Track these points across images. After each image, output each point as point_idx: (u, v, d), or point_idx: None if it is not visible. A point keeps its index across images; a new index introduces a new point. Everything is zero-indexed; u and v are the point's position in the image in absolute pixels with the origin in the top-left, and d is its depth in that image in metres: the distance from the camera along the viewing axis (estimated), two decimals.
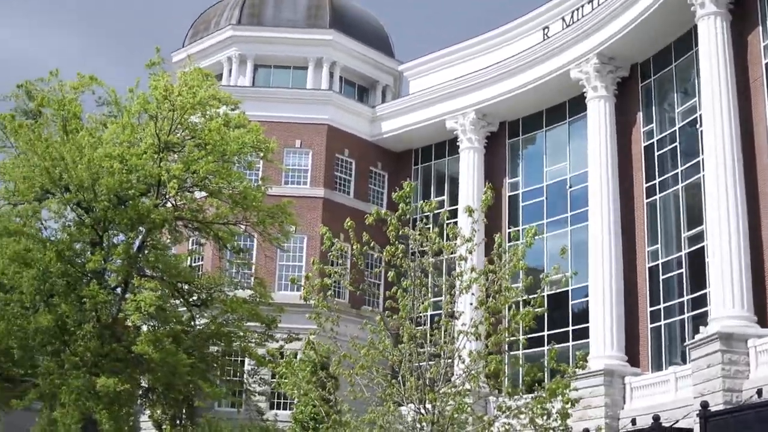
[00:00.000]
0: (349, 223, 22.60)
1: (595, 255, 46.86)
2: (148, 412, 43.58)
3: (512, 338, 25.07)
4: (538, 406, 21.80)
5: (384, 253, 22.65)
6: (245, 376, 43.58)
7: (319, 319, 23.03)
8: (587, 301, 47.38)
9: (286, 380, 25.13)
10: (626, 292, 46.17)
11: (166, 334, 35.10)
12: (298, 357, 43.64)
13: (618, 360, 44.40)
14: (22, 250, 32.99)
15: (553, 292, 48.13)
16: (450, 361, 23.26)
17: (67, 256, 34.22)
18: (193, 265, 47.22)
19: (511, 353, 39.06)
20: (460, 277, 23.05)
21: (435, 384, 22.72)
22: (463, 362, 23.13)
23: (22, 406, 33.74)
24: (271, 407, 47.12)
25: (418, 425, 22.84)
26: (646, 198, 47.24)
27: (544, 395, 22.14)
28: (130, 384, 33.15)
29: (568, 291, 49.29)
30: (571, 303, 49.27)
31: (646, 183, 47.45)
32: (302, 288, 23.47)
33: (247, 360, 42.96)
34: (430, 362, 23.05)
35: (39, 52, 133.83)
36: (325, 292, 23.46)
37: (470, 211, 23.01)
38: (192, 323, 37.99)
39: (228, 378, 43.13)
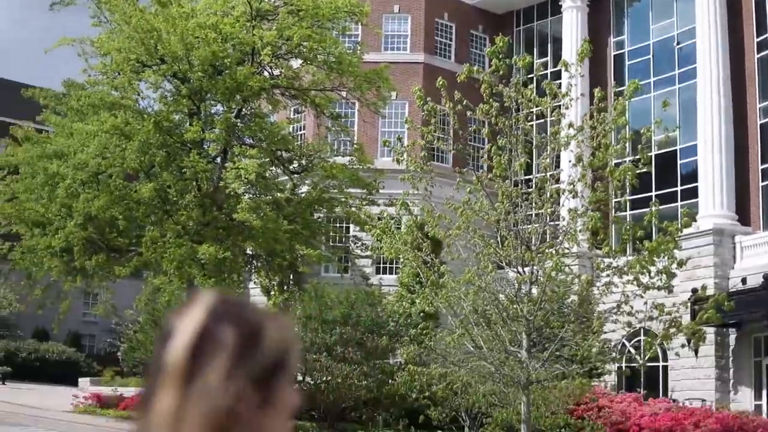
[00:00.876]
0: (441, 82, 22.09)
1: (703, 113, 45.52)
2: (255, 278, 44.30)
3: (613, 196, 24.54)
4: (639, 265, 21.29)
5: (477, 112, 22.16)
6: (350, 241, 43.88)
7: (413, 180, 22.80)
8: (696, 160, 46.26)
9: (383, 243, 25.08)
10: (736, 150, 44.90)
11: (267, 201, 35.34)
12: (404, 221, 43.67)
13: (728, 219, 43.45)
14: (120, 124, 33.24)
15: (661, 151, 47.21)
16: (548, 220, 22.89)
17: (165, 127, 34.40)
18: (295, 134, 47.24)
19: (617, 214, 38.39)
20: (557, 134, 22.46)
21: (533, 243, 22.40)
22: (563, 220, 22.74)
23: (125, 274, 34.48)
24: (377, 272, 47.46)
25: (517, 285, 22.64)
26: (758, 53, 45.46)
27: (646, 254, 21.64)
28: (232, 252, 33.51)
29: (676, 150, 48.21)
30: (679, 162, 48.16)
31: (757, 37, 45.59)
32: (393, 151, 23.18)
33: (351, 226, 43.19)
34: (527, 223, 22.71)
35: None
36: (418, 153, 23.17)
37: (566, 65, 22.31)
38: (294, 191, 38.14)
39: (333, 244, 43.45)
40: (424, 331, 31.31)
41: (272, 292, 46.45)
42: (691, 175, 46.67)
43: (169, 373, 1.77)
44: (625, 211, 43.87)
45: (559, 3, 55.30)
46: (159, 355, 1.82)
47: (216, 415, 1.73)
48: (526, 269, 22.56)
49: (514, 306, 22.40)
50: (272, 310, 1.91)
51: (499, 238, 23.01)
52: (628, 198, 37.09)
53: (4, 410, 35.41)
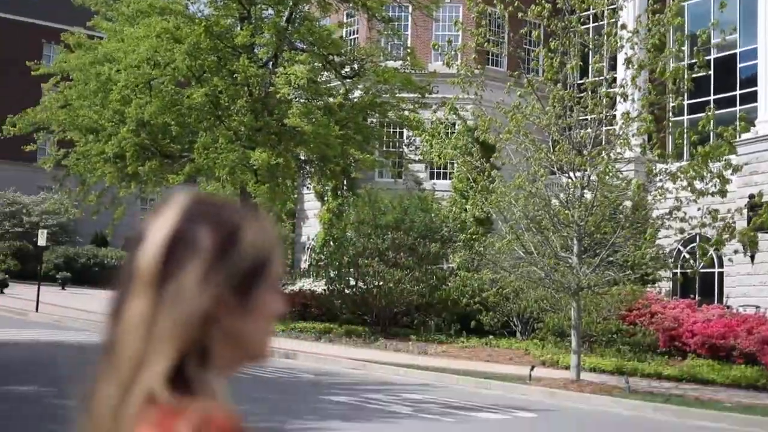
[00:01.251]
0: None
1: (765, 14, 44.32)
2: (308, 184, 44.44)
3: (670, 100, 24.09)
4: (692, 170, 20.97)
5: (529, 13, 21.77)
6: (403, 146, 43.74)
7: (463, 84, 22.53)
8: (756, 63, 45.18)
9: (432, 148, 25.00)
10: None
11: (319, 106, 35.14)
12: (457, 126, 43.41)
13: None
14: (171, 27, 33.09)
15: (720, 55, 46.19)
16: (600, 124, 22.58)
17: (215, 32, 34.19)
18: (347, 39, 46.80)
19: (673, 118, 37.79)
20: (611, 36, 22.03)
21: (584, 148, 22.15)
22: (616, 124, 22.44)
23: (178, 181, 34.65)
24: (431, 177, 47.32)
25: (570, 189, 22.46)
26: None
27: (699, 158, 21.29)
28: (284, 157, 33.48)
29: (735, 54, 47.12)
30: (738, 66, 47.13)
31: None
32: (444, 54, 22.89)
33: (405, 131, 43.01)
34: (580, 127, 22.43)
35: None
36: (469, 56, 22.88)
37: None
38: (347, 96, 37.89)
39: (386, 149, 43.34)
40: (474, 237, 31.30)
41: (326, 198, 46.65)
42: (751, 80, 45.64)
43: (141, 277, 1.68)
44: (683, 115, 43.26)
45: None
46: (130, 260, 1.72)
47: (190, 320, 1.64)
48: (578, 174, 22.36)
49: (566, 212, 22.26)
50: (253, 211, 1.80)
51: (550, 143, 22.77)
52: (686, 102, 36.61)
53: (62, 315, 36.15)
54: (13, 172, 64.48)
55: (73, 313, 35.60)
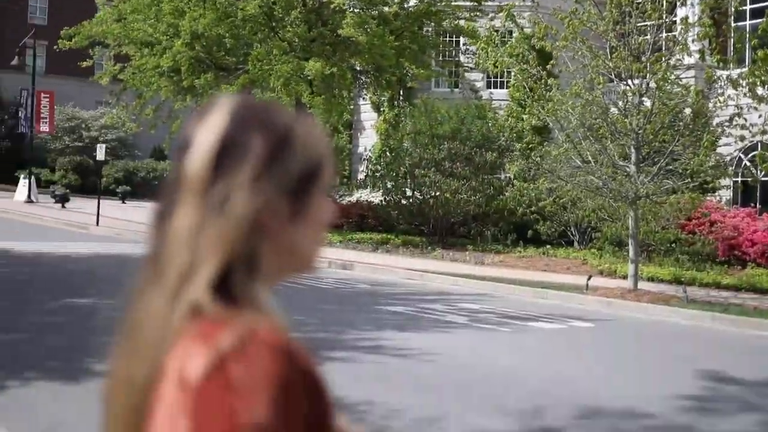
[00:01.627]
0: None
1: None
2: (364, 95, 44.24)
3: (729, 3, 23.54)
4: (752, 75, 20.50)
5: None
6: (460, 54, 43.23)
7: None
8: None
9: (488, 56, 24.69)
10: None
11: (374, 16, 34.75)
12: (514, 34, 42.85)
13: None
14: None
15: None
16: (659, 30, 22.15)
17: None
18: None
19: (734, 24, 36.81)
20: None
21: (643, 54, 21.77)
22: (675, 30, 22.01)
23: (232, 91, 34.58)
24: (488, 86, 46.86)
25: (628, 97, 22.15)
26: None
27: (760, 63, 20.81)
28: (339, 68, 33.29)
29: None
30: None
31: None
32: None
33: (461, 40, 42.51)
34: (637, 34, 22.01)
35: None
36: None
37: None
38: (402, 5, 37.39)
39: (442, 59, 42.93)
40: (531, 146, 31.06)
41: (382, 108, 46.51)
42: None
43: (188, 185, 1.63)
44: (744, 20, 42.26)
45: None
46: (177, 167, 1.68)
47: (240, 228, 1.60)
48: (636, 81, 22.03)
49: (624, 120, 21.98)
50: (302, 115, 1.74)
51: (608, 50, 22.40)
52: (747, 6, 35.68)
53: (123, 228, 36.63)
54: (71, 87, 64.97)
55: (133, 227, 36.00)
